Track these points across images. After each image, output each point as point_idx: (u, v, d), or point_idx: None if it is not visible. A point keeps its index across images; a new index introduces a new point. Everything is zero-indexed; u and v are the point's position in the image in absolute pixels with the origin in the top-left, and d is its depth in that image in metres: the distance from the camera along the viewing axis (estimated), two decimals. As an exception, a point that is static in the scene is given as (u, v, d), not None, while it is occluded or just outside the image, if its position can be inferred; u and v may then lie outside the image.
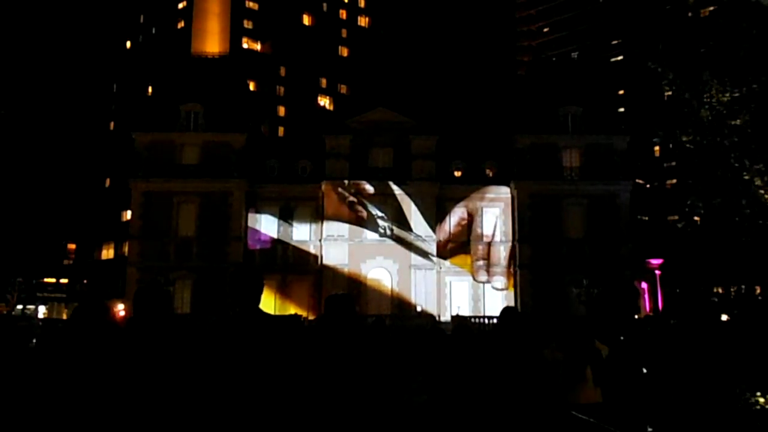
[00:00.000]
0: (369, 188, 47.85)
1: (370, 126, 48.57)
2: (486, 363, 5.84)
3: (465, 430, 5.84)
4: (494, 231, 48.05)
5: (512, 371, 5.61)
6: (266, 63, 76.19)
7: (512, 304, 44.69)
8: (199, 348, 4.60)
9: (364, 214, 47.80)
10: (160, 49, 70.75)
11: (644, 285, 47.90)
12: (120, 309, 37.87)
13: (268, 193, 48.28)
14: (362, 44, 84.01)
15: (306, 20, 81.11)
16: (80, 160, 78.08)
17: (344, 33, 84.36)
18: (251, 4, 78.08)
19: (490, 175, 49.23)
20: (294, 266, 47.64)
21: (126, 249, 52.31)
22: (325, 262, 47.46)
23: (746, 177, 13.33)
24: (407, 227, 47.52)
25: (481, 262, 47.65)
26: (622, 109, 74.91)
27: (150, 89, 67.40)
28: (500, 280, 47.53)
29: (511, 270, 47.66)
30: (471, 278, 47.79)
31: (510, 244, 47.86)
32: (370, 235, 47.59)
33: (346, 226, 47.58)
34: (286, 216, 48.36)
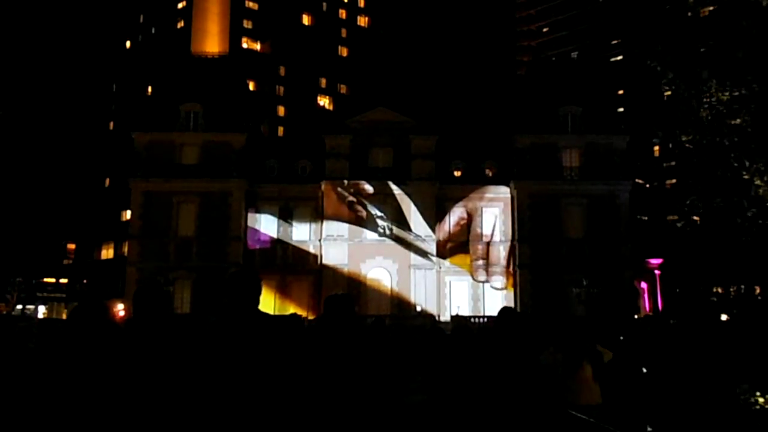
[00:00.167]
0: (369, 188, 47.85)
1: (369, 126, 48.56)
2: (484, 363, 5.84)
3: (464, 430, 5.83)
4: (493, 231, 48.05)
5: (510, 371, 5.60)
6: (266, 63, 76.19)
7: (512, 304, 44.68)
8: (198, 348, 4.59)
9: (364, 214, 47.80)
10: (159, 49, 70.74)
11: (644, 285, 47.94)
12: (120, 309, 37.86)
13: (267, 193, 48.28)
14: (362, 44, 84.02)
15: (306, 20, 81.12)
16: (80, 160, 78.06)
17: (344, 33, 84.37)
18: (251, 4, 78.08)
19: (490, 175, 49.23)
20: (294, 266, 47.64)
21: (126, 249, 52.30)
22: (324, 262, 47.46)
23: (746, 177, 13.32)
24: (407, 227, 47.51)
25: (480, 262, 47.65)
26: (621, 109, 74.94)
27: (150, 89, 67.40)
28: (499, 280, 47.53)
29: (510, 270, 47.66)
30: (471, 278, 47.79)
31: (509, 243, 47.86)
32: (370, 235, 47.59)
33: (346, 226, 47.57)
34: (285, 216, 48.36)
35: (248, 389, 4.37)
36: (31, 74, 79.20)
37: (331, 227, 47.58)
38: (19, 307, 69.20)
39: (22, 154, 71.42)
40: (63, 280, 78.94)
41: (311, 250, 48.10)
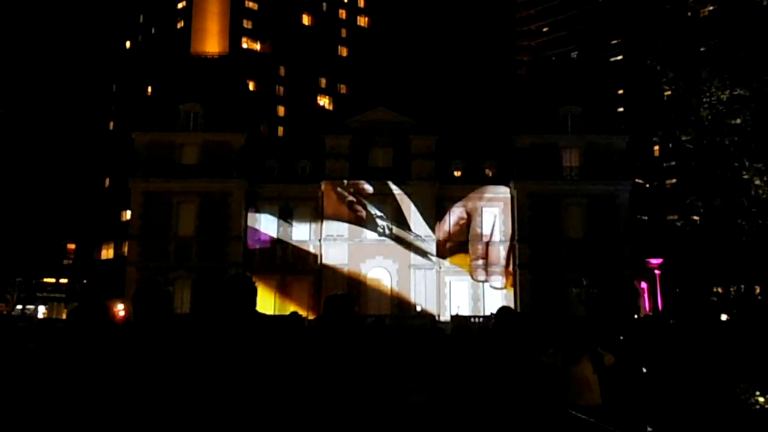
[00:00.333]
0: (368, 188, 47.85)
1: (369, 126, 48.56)
2: (483, 363, 5.83)
3: (463, 430, 5.83)
4: (492, 231, 48.06)
5: (510, 371, 5.60)
6: (266, 63, 76.19)
7: (512, 303, 44.67)
8: (198, 348, 4.59)
9: (364, 213, 47.80)
10: (159, 49, 70.75)
11: (644, 285, 47.93)
12: (120, 309, 37.85)
13: (267, 193, 48.28)
14: (362, 44, 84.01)
15: (306, 20, 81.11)
16: (80, 160, 78.06)
17: (344, 33, 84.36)
18: (251, 4, 78.07)
19: (490, 175, 49.22)
20: (294, 266, 47.64)
21: (126, 249, 52.29)
22: (324, 261, 47.46)
23: (746, 176, 13.31)
24: (407, 227, 47.52)
25: (479, 262, 47.66)
26: (621, 109, 74.98)
27: (150, 89, 67.40)
28: (498, 280, 47.54)
29: (510, 269, 47.67)
30: (470, 278, 47.80)
31: (508, 243, 47.86)
32: (370, 235, 47.59)
33: (346, 225, 47.58)
34: (285, 216, 48.36)
35: (248, 389, 4.37)
36: (32, 74, 79.20)
37: (331, 227, 47.58)
38: (19, 307, 69.27)
39: (22, 154, 71.40)
40: (63, 280, 78.97)
41: (311, 250, 48.10)
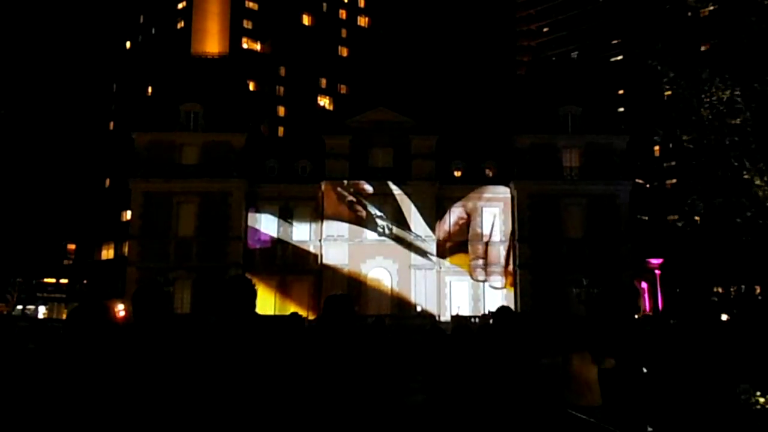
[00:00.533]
0: (368, 188, 47.85)
1: (369, 126, 48.56)
2: (483, 363, 5.83)
3: (464, 430, 5.83)
4: (492, 230, 48.06)
5: (510, 371, 5.59)
6: (266, 63, 76.21)
7: (512, 303, 44.68)
8: (198, 348, 4.59)
9: (364, 214, 47.80)
10: (159, 49, 70.76)
11: (644, 285, 47.92)
12: (120, 309, 37.85)
13: (267, 193, 48.28)
14: (362, 44, 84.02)
15: (306, 20, 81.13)
16: (80, 160, 78.08)
17: (344, 33, 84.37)
18: (251, 4, 78.09)
19: (490, 175, 49.22)
20: (294, 266, 47.63)
21: (126, 249, 52.31)
22: (324, 261, 47.46)
23: (746, 176, 13.31)
24: (407, 227, 47.52)
25: (479, 262, 47.66)
26: (621, 109, 74.99)
27: (150, 89, 67.39)
28: (498, 280, 47.54)
29: (509, 269, 47.67)
30: (471, 278, 47.80)
31: (508, 243, 47.87)
32: (370, 235, 47.59)
33: (346, 225, 47.57)
34: (285, 216, 48.36)
35: (248, 389, 4.37)
36: (32, 74, 79.22)
37: (331, 227, 47.58)
38: (20, 307, 69.27)
39: (22, 154, 71.42)
40: (63, 281, 78.99)
41: (311, 250, 48.10)
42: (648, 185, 71.25)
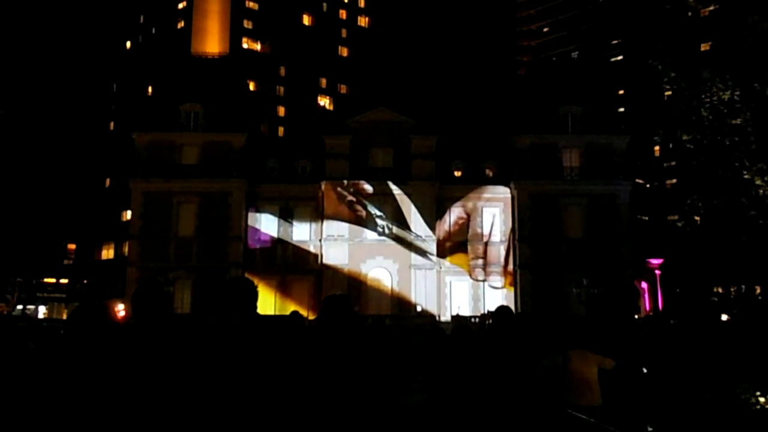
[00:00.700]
0: (368, 188, 47.85)
1: (369, 126, 48.55)
2: (483, 363, 5.83)
3: (464, 430, 5.82)
4: (491, 230, 48.06)
5: (509, 371, 5.59)
6: (266, 63, 76.20)
7: (512, 303, 44.67)
8: (198, 348, 4.58)
9: (364, 213, 47.80)
10: (160, 49, 70.76)
11: (644, 285, 47.91)
12: (120, 309, 37.85)
13: (267, 193, 48.27)
14: (362, 44, 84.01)
15: (306, 20, 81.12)
16: (80, 160, 78.07)
17: (344, 33, 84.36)
18: (251, 4, 78.08)
19: (490, 175, 49.22)
20: (294, 266, 47.63)
21: (126, 249, 52.33)
22: (325, 261, 47.46)
23: (746, 177, 13.31)
24: (407, 227, 47.51)
25: (479, 262, 47.66)
26: (622, 109, 74.98)
27: (150, 89, 67.41)
28: (498, 280, 47.54)
29: (509, 269, 47.66)
30: (470, 278, 47.80)
31: (508, 243, 47.86)
32: (370, 235, 47.59)
33: (346, 225, 47.57)
34: (285, 216, 48.36)
35: (248, 389, 4.37)
36: (32, 74, 79.21)
37: (332, 227, 47.57)
38: (20, 307, 69.30)
39: (22, 154, 71.42)
40: (63, 281, 78.99)
41: (311, 250, 48.10)
42: (648, 185, 71.24)
